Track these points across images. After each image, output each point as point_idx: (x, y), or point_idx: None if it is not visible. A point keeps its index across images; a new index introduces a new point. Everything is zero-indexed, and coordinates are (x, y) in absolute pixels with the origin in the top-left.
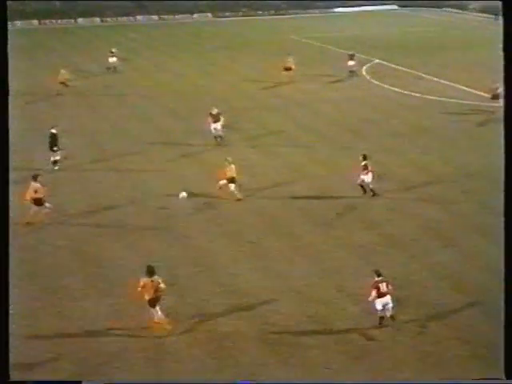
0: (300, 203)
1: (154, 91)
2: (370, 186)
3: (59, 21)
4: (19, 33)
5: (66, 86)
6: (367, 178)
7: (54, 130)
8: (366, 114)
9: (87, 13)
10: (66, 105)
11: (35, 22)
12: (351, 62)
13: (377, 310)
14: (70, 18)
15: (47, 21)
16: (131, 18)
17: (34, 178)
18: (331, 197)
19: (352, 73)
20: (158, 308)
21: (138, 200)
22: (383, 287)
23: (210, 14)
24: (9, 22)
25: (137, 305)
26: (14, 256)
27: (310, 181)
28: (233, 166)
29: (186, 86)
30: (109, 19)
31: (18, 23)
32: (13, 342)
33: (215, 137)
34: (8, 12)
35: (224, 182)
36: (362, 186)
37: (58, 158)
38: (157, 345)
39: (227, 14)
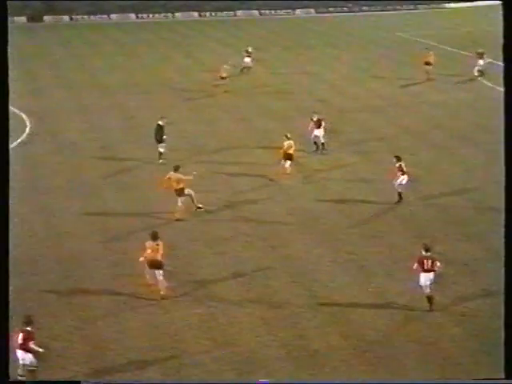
0: (399, 211)
1: (248, 90)
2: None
3: (156, 15)
4: (133, 26)
5: (223, 78)
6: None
7: (161, 122)
8: (476, 118)
9: (185, 7)
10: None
11: (132, 15)
12: (480, 62)
13: (420, 284)
14: (168, 12)
15: (144, 15)
16: (231, 13)
17: (176, 168)
18: (435, 204)
19: (480, 73)
20: (160, 272)
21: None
22: (428, 264)
23: (312, 10)
24: (109, 15)
25: None
26: None
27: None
28: (291, 141)
29: (286, 85)
30: (207, 14)
31: (114, 16)
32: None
33: (315, 142)
34: (108, 5)
35: (285, 161)
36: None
37: (162, 150)
38: None
39: (331, 9)
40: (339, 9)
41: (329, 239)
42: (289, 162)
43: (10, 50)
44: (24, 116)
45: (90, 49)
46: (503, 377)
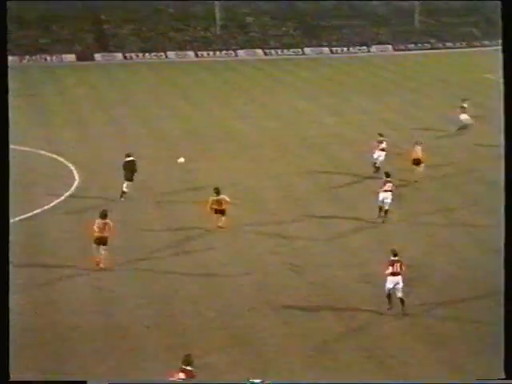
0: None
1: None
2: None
3: (217, 53)
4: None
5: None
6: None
7: (131, 158)
8: None
9: (249, 44)
10: None
11: (191, 53)
12: None
13: (387, 288)
14: (229, 49)
15: (204, 52)
16: (298, 50)
17: (216, 191)
18: None
19: None
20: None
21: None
22: (396, 267)
23: (389, 47)
24: (166, 53)
25: None
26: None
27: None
28: (419, 147)
29: (360, 135)
30: (273, 51)
31: (171, 54)
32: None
33: (374, 163)
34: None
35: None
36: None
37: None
38: None
39: (410, 46)
40: (420, 45)
41: None
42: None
43: (58, 91)
44: (72, 167)
45: (146, 91)
46: (503, 377)
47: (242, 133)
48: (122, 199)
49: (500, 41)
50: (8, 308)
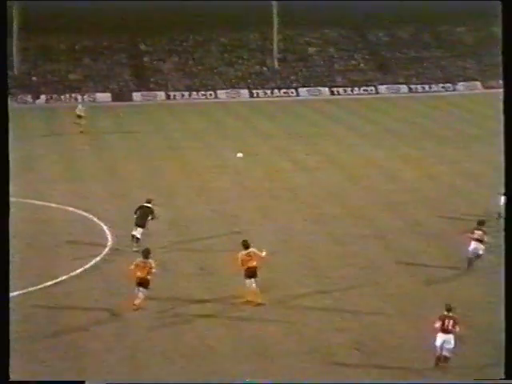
0: None
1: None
2: None
3: (275, 91)
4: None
5: None
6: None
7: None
8: None
9: (312, 80)
10: None
11: (244, 91)
12: None
13: (435, 345)
14: (289, 87)
15: (260, 91)
16: (371, 88)
17: (245, 245)
18: None
19: None
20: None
21: None
22: (449, 324)
23: (478, 84)
24: (216, 92)
25: None
26: None
27: None
28: None
29: (438, 192)
30: (341, 90)
31: (222, 93)
32: None
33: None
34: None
35: None
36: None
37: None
38: None
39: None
40: None
41: None
42: None
43: (88, 138)
44: (105, 227)
45: (192, 138)
46: (503, 377)
47: (301, 187)
48: (135, 248)
49: None
50: (8, 308)
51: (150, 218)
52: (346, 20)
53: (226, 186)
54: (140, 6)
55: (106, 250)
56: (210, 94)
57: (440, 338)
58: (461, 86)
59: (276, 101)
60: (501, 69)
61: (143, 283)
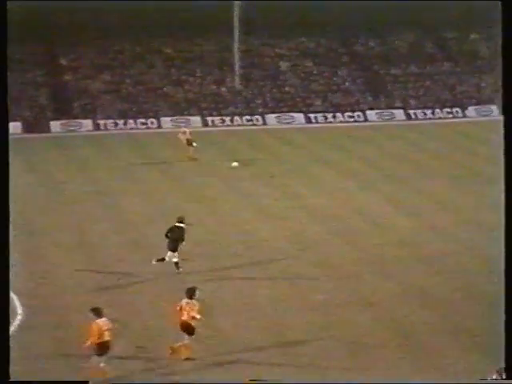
0: None
1: None
2: None
3: (236, 118)
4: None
5: None
6: None
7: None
8: None
9: (284, 104)
10: None
11: (196, 118)
12: None
13: None
14: (254, 113)
15: (217, 118)
16: (359, 114)
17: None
18: None
19: None
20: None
21: None
22: None
23: (495, 108)
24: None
25: None
26: None
27: None
28: None
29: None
30: (320, 116)
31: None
32: None
33: None
34: None
35: None
36: None
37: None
38: None
39: None
40: None
41: None
42: None
43: None
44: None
45: (126, 180)
46: (503, 377)
47: (264, 240)
48: (180, 270)
49: None
50: (8, 308)
51: (183, 242)
52: (328, 26)
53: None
54: (60, 6)
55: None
56: (152, 123)
57: None
58: (473, 110)
59: (237, 130)
60: None
61: (187, 329)
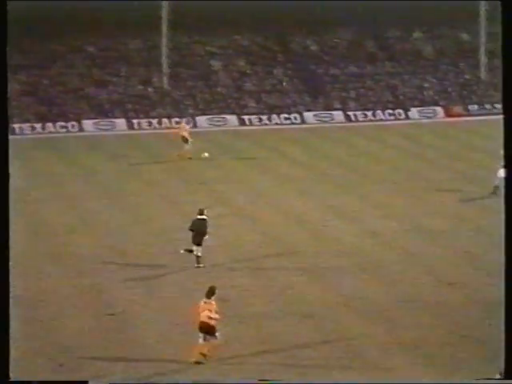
0: None
1: None
2: None
3: (164, 121)
4: None
5: None
6: None
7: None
8: None
9: (216, 105)
10: None
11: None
12: None
13: None
14: (184, 115)
15: (144, 121)
16: (296, 116)
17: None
18: None
19: None
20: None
21: None
22: None
23: (439, 109)
24: None
25: None
26: None
27: None
28: None
29: None
30: (254, 118)
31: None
32: None
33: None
34: None
35: None
36: None
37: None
38: None
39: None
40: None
41: None
42: None
43: None
44: None
45: (46, 186)
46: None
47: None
48: (202, 265)
49: None
50: (8, 308)
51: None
52: (263, 23)
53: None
54: None
55: None
56: (73, 126)
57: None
58: (416, 112)
59: (165, 134)
60: (464, 92)
61: (207, 330)
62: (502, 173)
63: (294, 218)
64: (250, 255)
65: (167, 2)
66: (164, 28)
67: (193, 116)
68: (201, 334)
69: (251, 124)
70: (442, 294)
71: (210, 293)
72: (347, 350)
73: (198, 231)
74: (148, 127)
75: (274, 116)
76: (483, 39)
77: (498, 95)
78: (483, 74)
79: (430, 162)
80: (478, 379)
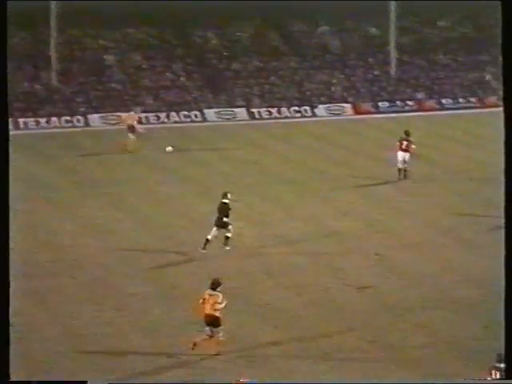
0: None
1: None
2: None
3: (53, 119)
4: None
5: None
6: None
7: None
8: None
9: (109, 103)
10: None
11: None
12: None
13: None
14: (75, 114)
15: (31, 120)
16: (196, 113)
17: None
18: None
19: None
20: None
21: None
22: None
23: (348, 106)
24: None
25: None
26: None
27: None
28: None
29: None
30: (151, 116)
31: None
32: None
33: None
34: None
35: None
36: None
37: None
38: None
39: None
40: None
41: None
42: None
43: None
44: None
45: None
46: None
47: (87, 256)
48: (204, 251)
49: None
50: (8, 307)
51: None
52: (159, 14)
53: None
54: None
55: None
56: None
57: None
58: (323, 109)
59: (55, 133)
60: (374, 88)
61: (212, 322)
62: (400, 155)
63: (192, 221)
64: (145, 258)
65: None
66: (52, 19)
67: (85, 114)
68: (207, 328)
69: (149, 122)
70: (351, 298)
71: (215, 284)
72: (252, 359)
73: (220, 214)
74: (35, 126)
75: (173, 113)
76: (393, 34)
77: (409, 92)
78: (393, 69)
79: (338, 160)
80: (478, 379)
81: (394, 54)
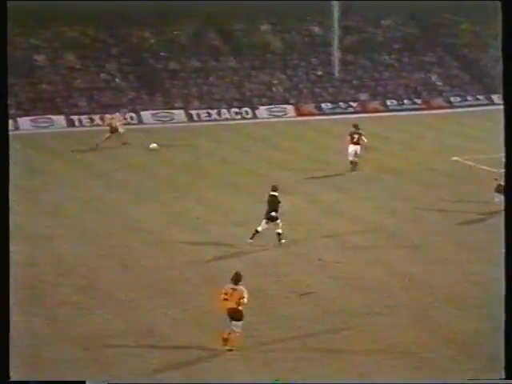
0: None
1: None
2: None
3: None
4: None
5: None
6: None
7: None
8: None
9: (40, 105)
10: None
11: None
12: None
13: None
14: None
15: None
16: (133, 115)
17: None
18: None
19: None
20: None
21: None
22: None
23: (290, 108)
24: None
25: None
26: None
27: None
28: None
29: None
30: (84, 118)
31: None
32: None
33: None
34: None
35: None
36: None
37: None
38: None
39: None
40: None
41: None
42: None
43: None
44: None
45: None
46: (503, 377)
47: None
48: (251, 241)
49: None
50: (8, 307)
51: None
52: (93, 12)
53: None
54: None
55: None
56: None
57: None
58: (264, 110)
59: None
60: (316, 89)
61: (235, 315)
62: (351, 148)
63: (129, 227)
64: (80, 268)
65: None
66: None
67: (14, 117)
68: (230, 322)
69: (81, 125)
70: (294, 305)
71: (237, 279)
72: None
73: (269, 206)
74: None
75: (108, 116)
76: (336, 33)
77: (353, 93)
78: (336, 69)
79: (280, 163)
80: (478, 379)
81: (337, 53)
